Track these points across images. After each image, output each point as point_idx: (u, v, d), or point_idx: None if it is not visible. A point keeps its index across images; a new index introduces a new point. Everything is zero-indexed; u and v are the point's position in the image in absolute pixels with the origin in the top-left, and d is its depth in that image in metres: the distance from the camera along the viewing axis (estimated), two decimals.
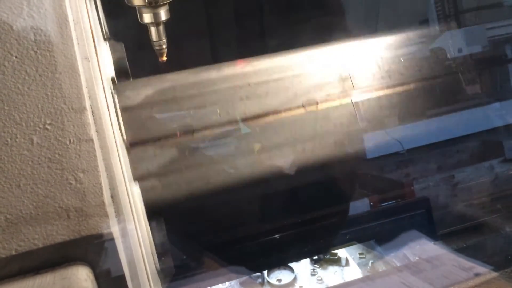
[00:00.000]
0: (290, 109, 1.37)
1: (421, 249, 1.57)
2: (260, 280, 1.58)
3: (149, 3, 1.09)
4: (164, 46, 1.29)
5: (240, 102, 1.34)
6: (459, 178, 1.75)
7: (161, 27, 1.22)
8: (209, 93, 1.35)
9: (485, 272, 1.07)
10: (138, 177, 1.05)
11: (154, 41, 1.25)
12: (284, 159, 1.45)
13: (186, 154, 1.35)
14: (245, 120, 1.33)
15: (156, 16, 1.16)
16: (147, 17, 1.17)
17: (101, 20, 1.06)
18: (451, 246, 1.54)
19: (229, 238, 1.54)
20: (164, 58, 1.35)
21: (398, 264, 1.56)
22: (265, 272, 1.60)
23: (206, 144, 1.40)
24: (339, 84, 1.44)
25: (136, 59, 1.38)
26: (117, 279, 0.61)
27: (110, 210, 0.61)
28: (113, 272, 0.61)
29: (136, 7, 1.14)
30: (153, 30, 1.22)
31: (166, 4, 1.16)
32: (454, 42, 1.72)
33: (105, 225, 0.59)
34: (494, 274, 1.05)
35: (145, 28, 1.22)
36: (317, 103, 1.39)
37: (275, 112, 1.35)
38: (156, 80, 1.34)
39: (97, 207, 0.60)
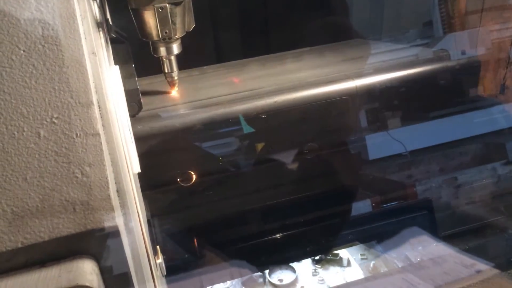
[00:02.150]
0: None
1: (423, 250, 1.57)
2: (261, 279, 1.58)
3: (163, 38, 1.14)
4: (176, 78, 1.35)
5: None
6: (461, 180, 1.75)
7: (174, 60, 1.28)
8: None
9: (486, 269, 1.07)
10: None
11: (167, 72, 1.31)
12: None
13: None
14: None
15: (169, 49, 1.22)
16: (160, 51, 1.23)
17: (107, 17, 1.06)
18: (453, 248, 1.53)
19: (231, 237, 1.54)
20: (176, 89, 1.39)
21: (400, 265, 1.55)
22: (267, 271, 1.60)
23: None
24: None
25: (138, 56, 1.39)
26: (121, 273, 0.61)
27: (116, 204, 0.61)
28: (118, 266, 0.61)
29: (150, 41, 1.19)
30: (166, 62, 1.28)
31: (178, 38, 1.21)
32: (458, 44, 1.72)
33: (110, 219, 0.60)
34: (496, 271, 1.05)
35: None
36: None
37: None
38: None
39: (103, 201, 0.60)
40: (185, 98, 1.42)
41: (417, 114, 1.64)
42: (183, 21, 1.16)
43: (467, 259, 1.15)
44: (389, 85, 1.52)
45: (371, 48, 1.81)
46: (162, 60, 1.28)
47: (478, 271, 1.06)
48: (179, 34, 1.18)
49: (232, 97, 1.40)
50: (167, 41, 1.18)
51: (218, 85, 1.55)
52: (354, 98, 1.47)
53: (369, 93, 1.50)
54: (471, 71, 1.65)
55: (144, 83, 1.55)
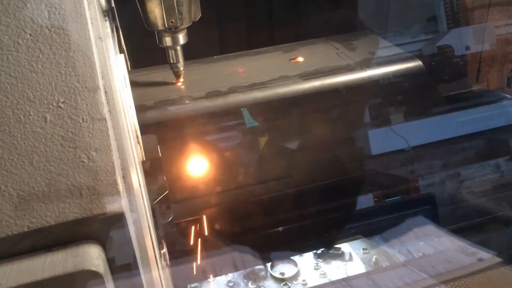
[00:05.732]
0: None
1: (425, 245, 1.57)
2: (263, 272, 1.58)
3: (169, 28, 1.13)
4: (181, 68, 1.34)
5: None
6: (464, 175, 1.74)
7: (179, 50, 1.26)
8: None
9: (488, 257, 1.07)
10: None
11: (172, 63, 1.29)
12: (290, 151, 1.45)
13: None
14: None
15: (175, 40, 1.21)
16: (166, 41, 1.22)
17: (113, 5, 1.06)
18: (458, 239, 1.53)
19: (232, 229, 1.54)
20: (181, 80, 1.38)
21: (402, 260, 1.55)
22: (269, 265, 1.60)
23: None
24: None
25: (140, 47, 1.38)
26: (127, 258, 0.61)
27: (122, 190, 0.61)
28: (123, 251, 0.60)
29: (156, 31, 1.18)
30: (172, 53, 1.26)
31: (184, 29, 1.19)
32: (462, 40, 1.71)
33: (117, 204, 0.59)
34: (498, 259, 1.05)
35: None
36: None
37: None
38: None
39: (109, 186, 0.59)
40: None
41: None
42: (189, 11, 1.15)
43: (469, 248, 1.15)
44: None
45: None
46: (168, 50, 1.27)
47: (480, 260, 1.06)
48: (185, 24, 1.17)
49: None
50: (173, 31, 1.17)
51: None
52: None
53: None
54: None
55: None
